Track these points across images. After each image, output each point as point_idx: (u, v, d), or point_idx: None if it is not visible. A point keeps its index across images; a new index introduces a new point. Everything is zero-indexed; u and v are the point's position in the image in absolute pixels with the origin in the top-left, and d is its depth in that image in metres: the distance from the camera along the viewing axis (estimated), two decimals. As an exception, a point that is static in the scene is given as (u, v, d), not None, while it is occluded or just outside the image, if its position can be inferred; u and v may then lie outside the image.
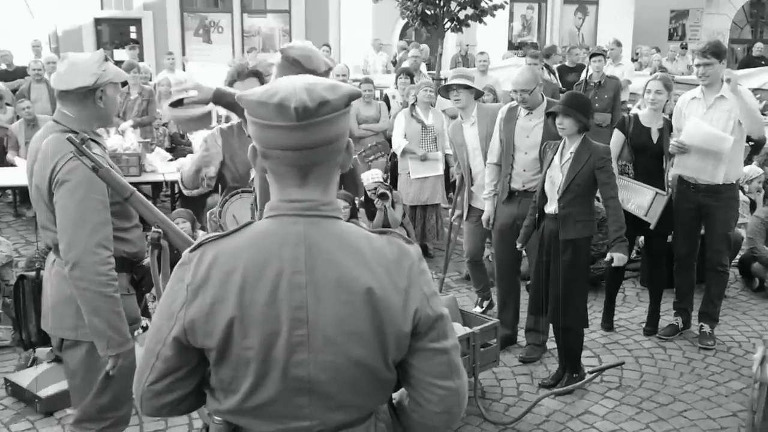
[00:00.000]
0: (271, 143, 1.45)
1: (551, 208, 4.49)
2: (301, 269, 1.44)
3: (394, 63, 13.76)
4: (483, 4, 10.48)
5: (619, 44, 10.81)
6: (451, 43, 16.58)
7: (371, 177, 7.11)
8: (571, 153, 4.41)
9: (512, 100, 5.19)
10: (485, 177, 5.33)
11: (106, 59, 2.83)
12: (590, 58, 8.88)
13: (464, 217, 5.91)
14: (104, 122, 2.90)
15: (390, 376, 1.55)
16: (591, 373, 4.74)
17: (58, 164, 2.63)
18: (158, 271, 2.42)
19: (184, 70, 14.01)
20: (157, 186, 8.70)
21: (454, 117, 7.99)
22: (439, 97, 6.94)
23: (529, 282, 5.16)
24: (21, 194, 8.79)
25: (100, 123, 2.87)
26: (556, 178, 4.45)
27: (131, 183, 7.51)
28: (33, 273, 3.09)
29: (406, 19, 10.99)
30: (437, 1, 10.18)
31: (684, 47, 17.00)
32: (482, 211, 5.56)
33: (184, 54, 16.34)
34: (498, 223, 5.25)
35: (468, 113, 5.60)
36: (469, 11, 10.54)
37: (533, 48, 18.43)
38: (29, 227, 8.29)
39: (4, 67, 10.88)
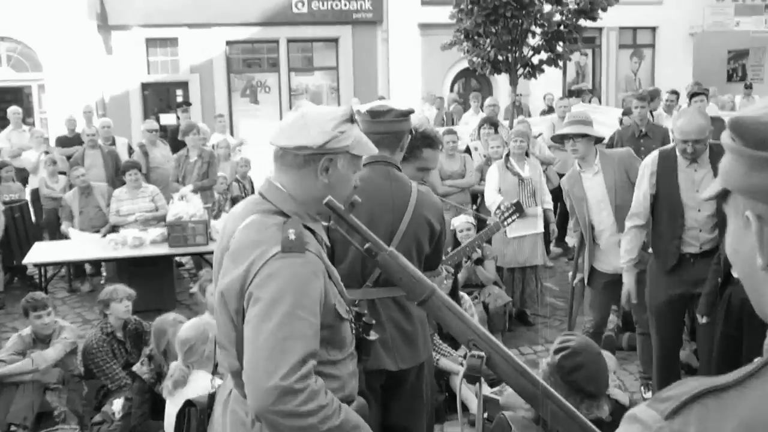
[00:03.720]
0: None
1: (742, 271, 3.63)
2: None
3: (445, 116, 13.13)
4: (558, 47, 9.80)
5: (674, 92, 9.92)
6: (503, 92, 15.98)
7: (464, 219, 6.36)
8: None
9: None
10: (625, 242, 4.45)
11: (352, 121, 2.04)
12: (690, 98, 8.05)
13: (585, 282, 5.07)
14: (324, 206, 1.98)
15: None
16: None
17: (255, 263, 1.86)
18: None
19: (232, 134, 13.56)
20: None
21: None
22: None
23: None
24: (75, 268, 8.17)
25: (317, 206, 1.99)
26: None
27: (197, 253, 6.77)
28: (204, 400, 2.37)
29: (473, 67, 10.30)
30: (510, 47, 9.53)
31: (749, 86, 16.19)
32: (607, 275, 4.80)
33: (231, 115, 15.93)
34: (658, 298, 4.35)
35: (589, 162, 4.81)
36: (544, 56, 9.87)
37: (590, 93, 18.02)
38: (85, 303, 7.64)
39: (64, 133, 10.40)
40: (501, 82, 16.41)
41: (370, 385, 2.73)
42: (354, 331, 2.10)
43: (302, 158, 1.96)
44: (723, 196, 0.94)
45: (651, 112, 8.95)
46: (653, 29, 18.82)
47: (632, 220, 4.38)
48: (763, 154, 0.85)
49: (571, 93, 17.84)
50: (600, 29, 17.67)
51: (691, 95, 8.06)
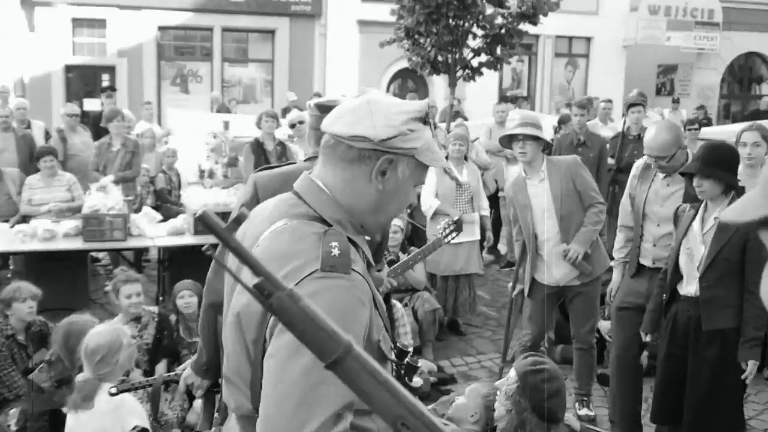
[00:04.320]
0: None
1: (690, 288, 3.50)
2: None
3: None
4: (498, 50, 9.68)
5: (609, 101, 10.03)
6: (439, 96, 15.90)
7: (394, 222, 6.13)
8: (715, 219, 3.44)
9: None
10: (616, 241, 4.49)
11: (425, 122, 1.64)
12: (628, 108, 8.05)
13: (526, 293, 4.91)
14: (373, 218, 1.64)
15: None
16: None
17: (286, 282, 1.36)
18: None
19: (159, 123, 12.99)
20: (137, 251, 7.54)
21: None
22: None
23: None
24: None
25: (364, 217, 1.63)
26: (696, 251, 3.47)
27: (117, 249, 6.33)
28: None
29: (412, 66, 10.10)
30: (450, 48, 9.36)
31: (676, 101, 16.58)
32: (549, 287, 4.63)
33: (159, 104, 15.31)
34: (618, 299, 4.31)
35: (535, 168, 4.64)
36: (484, 58, 9.74)
37: (524, 100, 18.12)
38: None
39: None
40: (438, 84, 16.32)
41: None
42: (395, 374, 1.66)
43: (357, 153, 1.56)
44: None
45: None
46: (588, 39, 19.09)
47: (620, 220, 4.46)
48: None
49: (506, 99, 17.91)
50: (537, 36, 17.78)
51: (629, 105, 8.04)
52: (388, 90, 16.85)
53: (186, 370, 2.55)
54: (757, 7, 19.82)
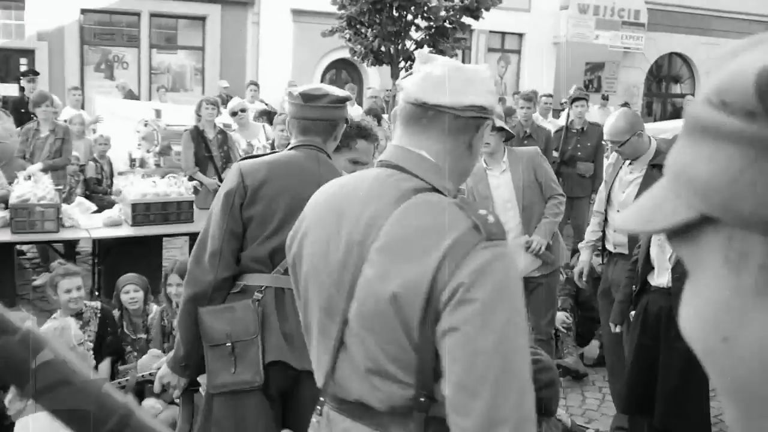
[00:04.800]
0: None
1: (661, 280, 3.49)
2: None
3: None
4: (441, 43, 9.62)
5: (551, 96, 10.22)
6: (373, 85, 15.80)
7: None
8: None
9: None
10: (590, 225, 4.58)
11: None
12: (572, 102, 8.13)
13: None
14: (458, 183, 1.65)
15: None
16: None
17: (452, 254, 1.36)
18: None
19: (83, 107, 12.38)
20: (68, 243, 7.11)
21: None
22: None
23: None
24: None
25: (460, 182, 1.65)
26: (667, 242, 3.46)
27: (48, 241, 5.93)
28: None
29: (354, 56, 9.93)
30: (393, 39, 9.23)
31: (605, 98, 16.97)
32: None
33: (83, 90, 14.63)
34: (601, 285, 4.46)
35: (497, 159, 4.57)
36: (426, 50, 9.66)
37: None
38: None
39: None
40: (372, 75, 16.20)
41: (268, 383, 2.43)
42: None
43: (464, 122, 1.52)
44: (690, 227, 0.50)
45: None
46: (520, 35, 19.34)
47: (596, 206, 4.57)
48: None
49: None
50: (471, 31, 17.88)
51: (573, 100, 8.14)
52: (322, 80, 16.60)
53: (162, 369, 2.37)
54: (680, 10, 20.49)
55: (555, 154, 7.73)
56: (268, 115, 9.59)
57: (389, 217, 1.45)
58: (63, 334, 3.25)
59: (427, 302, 1.37)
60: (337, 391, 1.53)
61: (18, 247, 7.21)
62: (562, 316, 5.37)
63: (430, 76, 1.52)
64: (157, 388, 2.39)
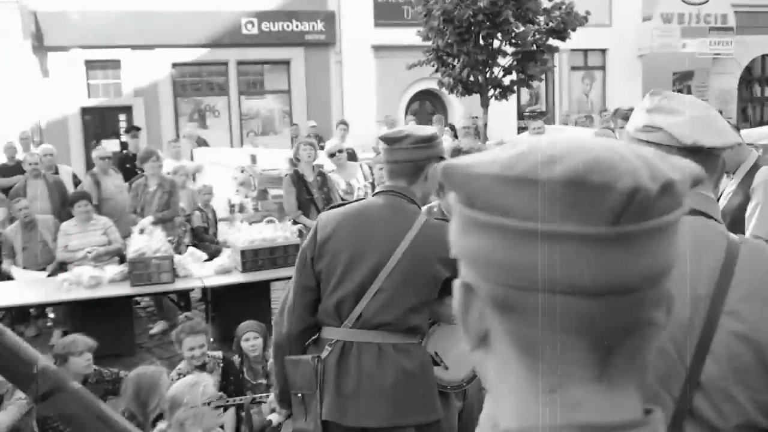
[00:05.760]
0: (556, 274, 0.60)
1: None
2: None
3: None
4: (530, 67, 9.50)
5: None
6: (457, 115, 15.75)
7: None
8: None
9: None
10: None
11: None
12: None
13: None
14: None
15: None
16: None
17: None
18: None
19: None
20: (181, 293, 7.29)
21: None
22: None
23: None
24: (17, 310, 7.35)
25: None
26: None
27: (165, 292, 6.14)
28: None
29: (443, 88, 9.91)
30: (482, 67, 9.17)
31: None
32: None
33: (177, 138, 15.22)
34: None
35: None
36: (515, 76, 9.56)
37: (541, 115, 17.92)
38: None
39: (3, 161, 9.59)
40: (455, 105, 16.17)
41: None
42: None
43: (720, 159, 1.56)
44: None
45: (614, 131, 8.78)
46: (603, 51, 18.95)
47: None
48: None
49: (525, 116, 17.73)
50: (552, 53, 17.67)
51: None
52: (406, 113, 16.69)
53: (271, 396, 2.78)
54: (769, 10, 19.68)
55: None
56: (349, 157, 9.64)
57: (736, 266, 1.40)
58: (191, 391, 3.29)
59: None
60: None
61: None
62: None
63: (695, 118, 1.49)
64: (266, 411, 2.61)
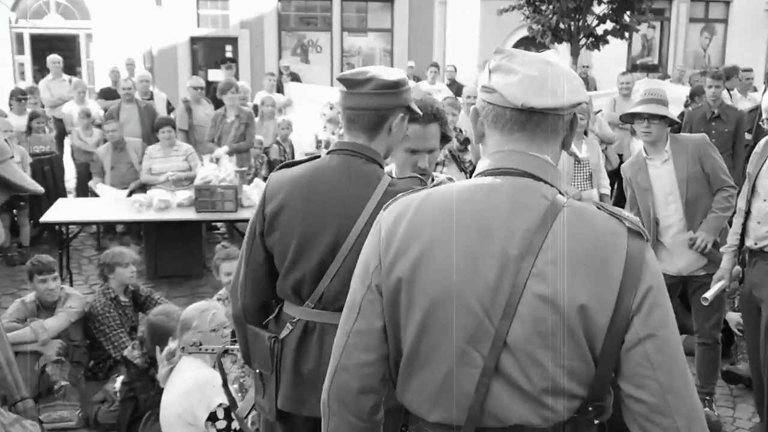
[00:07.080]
0: None
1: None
2: None
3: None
4: (626, 18, 9.04)
5: (750, 70, 8.99)
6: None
7: None
8: None
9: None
10: (733, 225, 4.03)
11: None
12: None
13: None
14: None
15: None
16: None
17: (633, 262, 1.37)
18: None
19: (278, 91, 13.12)
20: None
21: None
22: None
23: None
24: (105, 226, 7.93)
25: None
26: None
27: (226, 220, 6.39)
28: None
29: (532, 34, 9.62)
30: (574, 15, 8.82)
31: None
32: (670, 277, 4.14)
33: (281, 74, 15.57)
34: (743, 288, 4.04)
35: (659, 148, 4.22)
36: (609, 26, 9.14)
37: (653, 70, 17.08)
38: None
39: (109, 85, 10.23)
40: (563, 52, 15.62)
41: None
42: None
43: (563, 120, 1.49)
44: None
45: (728, 91, 8.22)
46: (727, 3, 17.68)
47: (738, 202, 4.02)
48: None
49: (636, 68, 16.89)
50: (670, 0, 16.67)
51: (712, 76, 7.16)
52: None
53: None
54: None
55: (748, 136, 6.99)
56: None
57: (549, 229, 1.38)
58: (201, 316, 3.49)
59: (615, 311, 1.36)
60: (487, 421, 1.42)
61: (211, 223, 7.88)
62: (737, 318, 4.91)
63: (528, 78, 1.43)
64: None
